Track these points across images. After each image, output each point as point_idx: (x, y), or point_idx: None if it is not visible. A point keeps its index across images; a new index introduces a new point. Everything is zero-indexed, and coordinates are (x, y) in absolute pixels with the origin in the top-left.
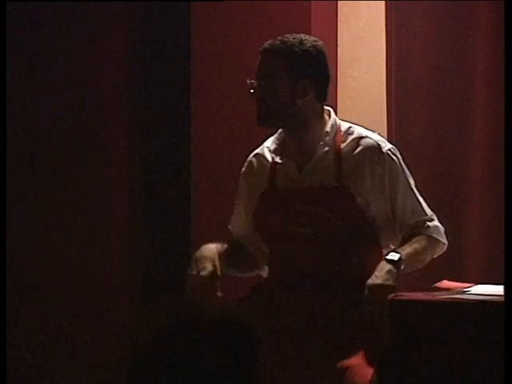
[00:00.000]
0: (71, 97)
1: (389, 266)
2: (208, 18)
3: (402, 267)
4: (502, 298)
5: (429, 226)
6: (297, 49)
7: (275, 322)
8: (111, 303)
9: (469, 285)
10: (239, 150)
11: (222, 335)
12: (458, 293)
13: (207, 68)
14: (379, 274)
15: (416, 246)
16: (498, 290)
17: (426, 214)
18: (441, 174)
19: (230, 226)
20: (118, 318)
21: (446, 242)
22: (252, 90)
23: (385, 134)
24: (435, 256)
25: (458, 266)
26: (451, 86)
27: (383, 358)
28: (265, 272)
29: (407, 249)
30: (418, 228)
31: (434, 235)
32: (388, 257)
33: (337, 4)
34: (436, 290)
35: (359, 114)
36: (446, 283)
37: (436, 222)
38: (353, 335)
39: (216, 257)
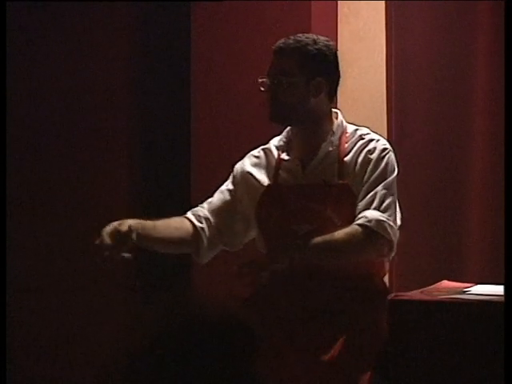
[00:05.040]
0: (71, 96)
1: (288, 245)
2: (208, 17)
3: (301, 251)
4: (502, 298)
5: (369, 220)
6: (311, 47)
7: (276, 321)
8: (110, 303)
9: (469, 285)
10: (239, 149)
11: (222, 335)
12: (457, 293)
13: (207, 68)
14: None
15: (335, 234)
16: (498, 290)
17: (378, 209)
18: (441, 173)
19: (201, 205)
20: (117, 318)
21: (392, 239)
22: (263, 88)
23: (385, 133)
24: (378, 251)
25: (458, 266)
26: (451, 85)
27: (383, 358)
28: (201, 258)
29: (325, 237)
30: (360, 218)
31: (375, 228)
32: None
33: (337, 4)
34: (436, 290)
35: (359, 113)
36: (445, 283)
37: (383, 217)
38: (353, 332)
39: (128, 221)
